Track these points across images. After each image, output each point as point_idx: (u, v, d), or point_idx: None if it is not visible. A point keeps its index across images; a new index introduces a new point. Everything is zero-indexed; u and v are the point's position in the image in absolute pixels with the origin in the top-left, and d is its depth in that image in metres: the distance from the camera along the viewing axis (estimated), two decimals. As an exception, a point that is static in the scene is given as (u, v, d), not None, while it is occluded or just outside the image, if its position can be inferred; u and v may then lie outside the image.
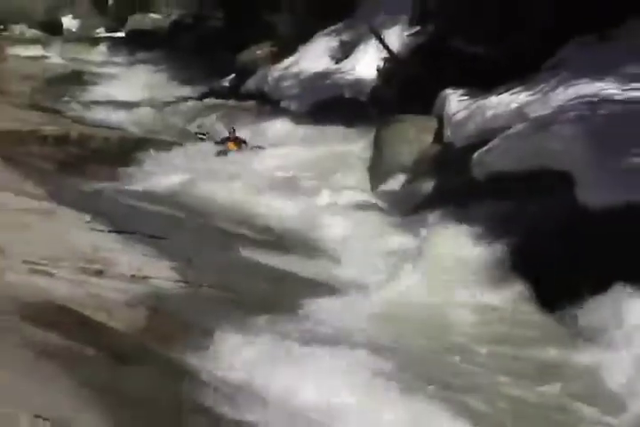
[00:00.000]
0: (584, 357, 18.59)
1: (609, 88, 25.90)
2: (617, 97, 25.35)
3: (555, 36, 29.46)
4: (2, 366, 12.65)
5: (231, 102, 44.77)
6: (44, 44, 59.61)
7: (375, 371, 16.81)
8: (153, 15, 71.05)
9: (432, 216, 25.31)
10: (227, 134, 34.94)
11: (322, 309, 20.31)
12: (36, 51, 54.59)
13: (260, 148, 35.09)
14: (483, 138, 27.17)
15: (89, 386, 13.13)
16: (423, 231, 24.76)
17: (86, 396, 12.76)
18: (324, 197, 28.75)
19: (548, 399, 17.11)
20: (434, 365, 18.23)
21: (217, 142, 34.81)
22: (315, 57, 43.93)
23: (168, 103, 46.89)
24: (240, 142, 34.74)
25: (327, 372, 16.29)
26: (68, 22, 70.32)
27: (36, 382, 12.62)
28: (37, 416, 11.09)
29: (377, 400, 15.83)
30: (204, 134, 32.90)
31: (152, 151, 34.15)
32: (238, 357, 16.51)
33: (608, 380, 17.67)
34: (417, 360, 18.13)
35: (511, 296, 21.51)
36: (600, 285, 19.60)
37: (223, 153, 34.20)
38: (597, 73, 26.94)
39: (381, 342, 18.53)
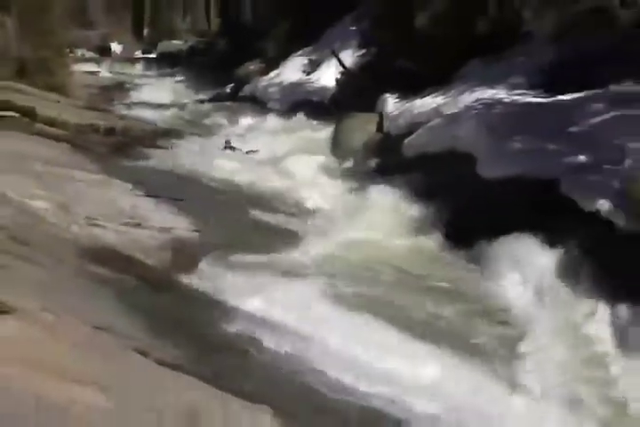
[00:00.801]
0: (486, 284, 18.89)
1: (499, 93, 26.42)
2: (505, 100, 25.86)
3: (461, 56, 29.77)
4: (69, 292, 12.87)
5: (232, 104, 44.91)
6: (98, 63, 59.35)
7: (330, 293, 17.15)
8: (176, 42, 70.59)
9: (376, 183, 25.54)
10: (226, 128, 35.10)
11: (297, 250, 20.60)
12: (91, 67, 54.29)
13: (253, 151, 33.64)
14: (411, 129, 27.58)
15: (130, 305, 13.40)
16: (371, 193, 25.06)
17: (129, 312, 13.00)
18: (299, 170, 29.00)
19: (457, 314, 17.40)
20: (377, 289, 18.48)
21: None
22: (291, 71, 44.13)
23: (186, 104, 46.94)
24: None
25: (296, 295, 16.67)
26: (115, 47, 70.00)
27: (93, 303, 12.86)
28: (95, 327, 11.27)
29: (330, 315, 16.15)
30: (232, 147, 32.50)
31: (175, 139, 34.26)
32: (230, 283, 16.83)
33: (504, 301, 18.05)
34: (364, 285, 18.39)
35: (432, 240, 21.79)
36: (495, 231, 19.93)
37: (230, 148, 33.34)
38: (491, 83, 27.39)
39: (337, 271, 18.84)
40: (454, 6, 31.81)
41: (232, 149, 33.04)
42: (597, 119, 22.21)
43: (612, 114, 21.98)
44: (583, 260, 17.98)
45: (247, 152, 32.63)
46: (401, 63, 31.75)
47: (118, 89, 49.10)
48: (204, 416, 8.18)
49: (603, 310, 16.89)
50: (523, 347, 16.39)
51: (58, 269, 13.98)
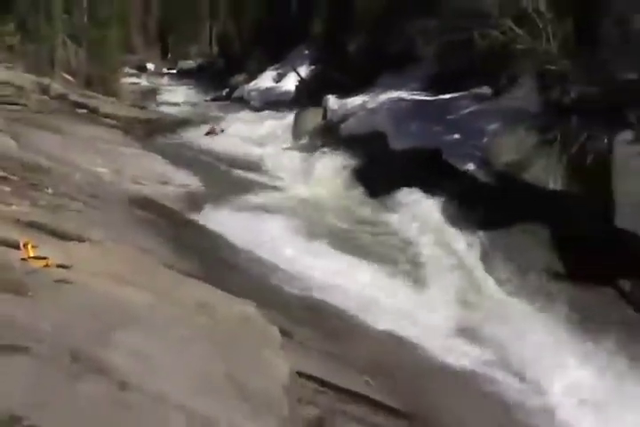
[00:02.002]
0: (388, 218, 19.12)
1: (402, 94, 26.46)
2: (406, 98, 25.90)
3: (377, 71, 29.69)
4: (122, 227, 12.97)
5: (226, 103, 44.79)
6: (138, 76, 58.91)
7: (290, 225, 17.42)
8: (189, 62, 69.95)
9: (321, 154, 25.62)
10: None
11: (268, 196, 20.82)
12: (134, 79, 54.01)
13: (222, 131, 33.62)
14: (345, 118, 27.46)
15: (162, 236, 13.52)
16: (315, 161, 25.15)
17: (162, 241, 13.13)
18: (270, 146, 29.04)
19: (373, 235, 17.91)
20: (323, 222, 18.75)
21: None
22: (265, 81, 43.92)
23: (196, 103, 46.79)
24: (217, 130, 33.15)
25: (267, 226, 17.01)
26: (149, 66, 69.53)
27: (138, 234, 12.98)
28: (141, 249, 11.42)
29: (290, 240, 16.46)
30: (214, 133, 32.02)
31: (189, 126, 34.31)
32: (218, 217, 17.14)
33: (399, 228, 18.31)
34: (315, 219, 18.63)
35: (358, 191, 21.95)
36: (399, 185, 20.08)
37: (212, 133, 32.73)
38: (397, 87, 27.42)
39: (298, 211, 19.13)
40: (371, 41, 32.00)
41: (215, 134, 32.58)
42: (465, 111, 22.37)
43: (474, 107, 22.17)
44: (457, 202, 18.24)
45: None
46: (338, 76, 31.88)
47: (152, 94, 48.79)
48: (208, 305, 8.35)
49: (468, 235, 17.20)
50: (420, 252, 17.15)
51: (115, 213, 14.07)
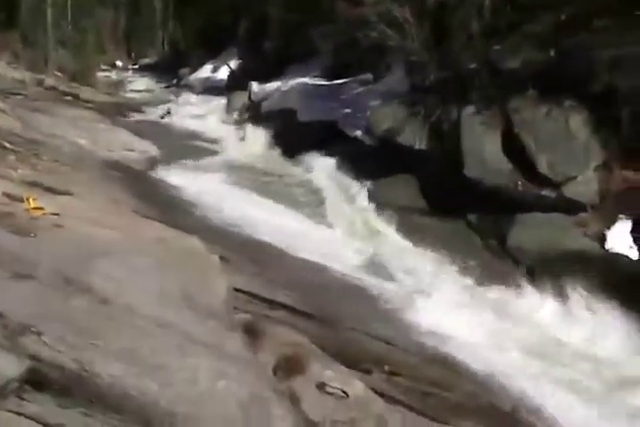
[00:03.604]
0: (300, 172, 19.09)
1: (306, 80, 26.30)
2: (309, 83, 25.81)
3: (286, 63, 29.49)
4: (99, 184, 12.85)
5: (176, 89, 44.05)
6: (109, 71, 57.28)
7: (227, 181, 17.39)
8: (148, 59, 68.85)
9: (249, 126, 25.46)
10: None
11: (210, 159, 20.72)
12: (106, 73, 53.06)
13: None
14: (265, 98, 27.30)
15: (129, 190, 13.40)
16: (247, 131, 25.01)
17: (129, 193, 13.01)
18: (210, 120, 28.76)
19: (288, 186, 17.60)
20: (252, 176, 18.65)
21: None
22: (205, 72, 43.50)
23: (154, 90, 46.01)
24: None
25: (210, 181, 16.99)
26: (118, 63, 67.78)
27: (111, 188, 12.87)
28: (113, 200, 11.33)
29: (228, 192, 16.45)
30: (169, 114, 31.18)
31: (149, 107, 33.83)
32: (172, 175, 17.07)
33: (308, 180, 18.30)
34: (245, 174, 18.55)
35: (277, 152, 21.90)
36: (306, 148, 20.13)
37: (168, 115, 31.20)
38: (302, 75, 27.25)
39: (232, 169, 18.93)
40: (283, 41, 31.76)
41: (169, 115, 31.28)
42: (354, 92, 22.36)
43: (360, 89, 22.16)
44: (350, 160, 18.30)
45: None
46: (258, 67, 31.63)
47: (120, 84, 47.95)
48: (164, 240, 8.36)
49: (359, 184, 17.34)
50: (323, 197, 17.38)
51: (93, 173, 13.93)
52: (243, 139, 24.53)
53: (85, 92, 33.37)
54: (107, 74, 54.20)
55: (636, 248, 12.89)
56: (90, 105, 29.27)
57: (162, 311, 6.27)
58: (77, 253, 7.02)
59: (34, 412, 4.23)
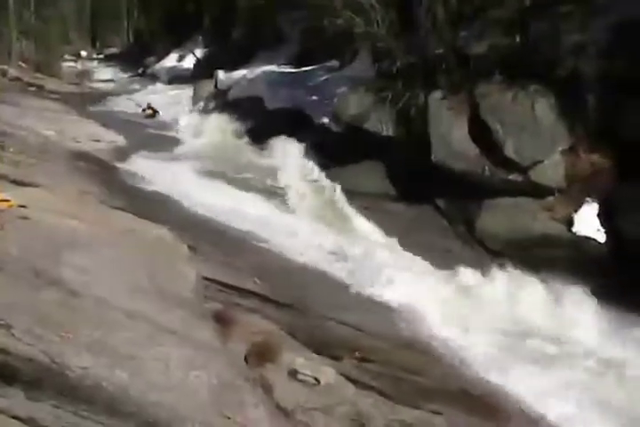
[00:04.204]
0: (267, 159, 19.01)
1: (273, 68, 26.23)
2: (276, 70, 25.71)
3: (253, 51, 29.36)
4: (67, 175, 12.79)
5: (142, 78, 43.95)
6: (74, 61, 57.21)
7: (194, 169, 17.33)
8: (113, 49, 68.69)
9: (214, 114, 25.29)
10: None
11: (176, 148, 20.71)
12: (71, 64, 52.79)
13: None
14: (231, 86, 27.12)
15: (96, 180, 13.34)
16: (212, 119, 24.88)
17: (97, 184, 12.97)
18: (176, 109, 28.52)
19: (254, 173, 17.55)
20: (217, 165, 18.54)
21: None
22: (170, 61, 43.30)
23: (120, 79, 45.71)
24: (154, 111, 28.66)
25: (177, 170, 16.84)
26: (83, 53, 67.33)
27: (79, 179, 12.79)
28: (81, 191, 11.27)
29: (193, 180, 16.39)
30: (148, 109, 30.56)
31: (115, 96, 33.67)
32: (138, 164, 16.87)
33: (274, 167, 18.27)
34: (210, 163, 18.44)
35: (244, 140, 21.80)
36: (273, 135, 19.98)
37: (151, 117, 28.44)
38: (269, 62, 27.22)
39: (197, 158, 18.76)
40: (249, 29, 31.66)
41: (151, 109, 29.33)
42: (320, 79, 22.34)
43: (327, 76, 22.14)
44: (317, 146, 18.29)
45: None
46: (224, 55, 31.47)
47: (85, 74, 47.72)
48: (133, 230, 8.34)
49: (327, 171, 17.37)
50: (291, 184, 17.23)
51: (60, 164, 13.86)
52: (210, 127, 24.34)
53: (50, 83, 33.26)
54: (72, 64, 53.88)
55: (602, 231, 13.00)
56: (55, 96, 29.18)
57: (132, 302, 6.28)
58: (46, 245, 7.01)
59: (4, 406, 4.22)
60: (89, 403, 4.60)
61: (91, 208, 9.71)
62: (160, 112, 27.97)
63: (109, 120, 22.56)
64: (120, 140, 18.78)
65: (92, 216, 8.77)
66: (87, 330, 5.49)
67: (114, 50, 69.17)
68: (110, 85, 41.90)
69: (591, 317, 11.62)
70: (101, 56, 67.71)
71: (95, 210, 9.66)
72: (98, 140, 18.08)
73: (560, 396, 9.20)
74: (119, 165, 16.73)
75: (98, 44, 75.97)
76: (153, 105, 28.86)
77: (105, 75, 48.85)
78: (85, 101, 29.98)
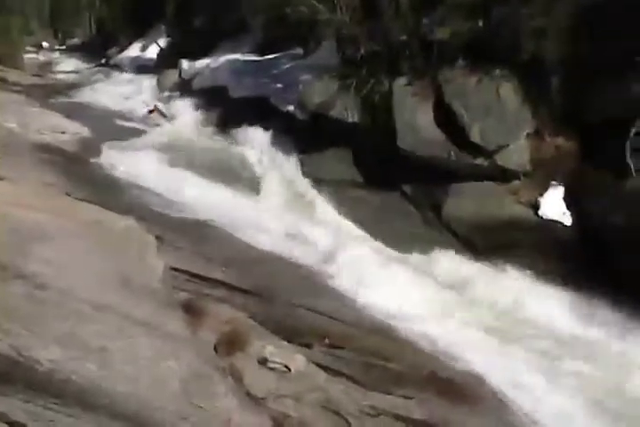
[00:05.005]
0: (233, 147, 19.02)
1: (237, 56, 26.12)
2: (240, 59, 25.64)
3: (217, 40, 29.18)
4: (30, 167, 12.69)
5: (106, 68, 43.44)
6: (36, 53, 56.58)
7: (160, 159, 17.24)
8: (75, 39, 68.19)
9: (181, 104, 25.16)
10: None
11: (142, 138, 20.62)
12: (33, 55, 52.24)
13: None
14: (194, 75, 27.01)
15: (62, 172, 13.25)
16: (178, 107, 24.77)
17: (62, 176, 12.88)
18: (143, 100, 28.19)
19: (221, 162, 17.44)
20: (181, 153, 18.47)
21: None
22: (134, 51, 43.17)
23: (83, 70, 45.10)
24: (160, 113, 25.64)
25: (143, 159, 16.82)
26: (44, 44, 66.59)
27: (43, 172, 12.70)
28: (45, 184, 11.21)
29: (159, 169, 16.31)
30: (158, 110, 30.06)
31: (78, 88, 33.37)
32: (104, 156, 16.85)
33: (241, 155, 18.25)
34: (175, 152, 18.35)
35: (211, 128, 21.73)
36: (240, 123, 20.03)
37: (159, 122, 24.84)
38: (233, 51, 27.18)
39: (162, 149, 18.64)
40: (212, 18, 31.49)
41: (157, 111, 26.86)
42: (284, 67, 22.34)
43: (291, 64, 22.15)
44: (283, 134, 18.32)
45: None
46: (187, 44, 31.24)
47: (47, 65, 47.27)
48: (100, 222, 8.29)
49: (293, 158, 17.39)
50: (257, 172, 17.35)
51: (24, 157, 13.74)
52: (175, 117, 24.20)
53: (13, 75, 32.91)
54: (33, 56, 53.32)
55: (568, 214, 13.11)
56: (18, 88, 28.84)
57: (100, 294, 6.25)
58: (11, 238, 6.94)
59: (-29, 401, 4.18)
60: (59, 396, 4.56)
61: (56, 200, 9.63)
62: (167, 116, 24.99)
63: (74, 111, 22.30)
64: (85, 131, 18.54)
65: (58, 208, 8.69)
66: (55, 323, 5.45)
67: (76, 40, 68.43)
68: (73, 77, 41.41)
69: (557, 299, 11.74)
70: (64, 47, 66.99)
71: (61, 202, 9.58)
72: (62, 132, 17.84)
73: (529, 378, 9.32)
74: (85, 156, 16.63)
75: (60, 36, 75.14)
76: (160, 107, 25.96)
77: (68, 66, 48.22)
78: (49, 93, 29.65)
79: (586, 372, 9.85)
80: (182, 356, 5.68)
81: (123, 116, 25.26)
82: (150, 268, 7.31)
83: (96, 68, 45.20)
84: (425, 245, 13.41)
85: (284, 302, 9.62)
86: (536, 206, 13.40)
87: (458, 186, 14.15)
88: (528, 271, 12.32)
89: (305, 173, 16.72)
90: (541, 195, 13.49)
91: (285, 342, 7.27)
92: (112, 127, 22.18)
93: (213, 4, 31.42)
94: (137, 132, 21.65)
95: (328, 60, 19.25)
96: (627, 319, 10.95)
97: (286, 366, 6.71)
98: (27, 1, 66.22)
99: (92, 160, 16.48)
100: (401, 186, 14.99)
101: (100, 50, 49.64)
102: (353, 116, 16.24)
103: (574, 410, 8.84)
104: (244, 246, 12.17)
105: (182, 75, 28.69)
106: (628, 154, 12.42)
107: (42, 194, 9.91)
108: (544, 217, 13.25)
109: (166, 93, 28.37)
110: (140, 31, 43.60)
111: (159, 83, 30.06)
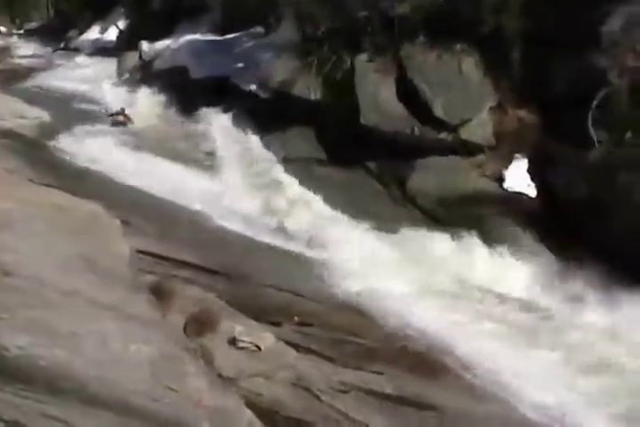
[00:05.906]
0: (196, 128, 18.93)
1: (197, 36, 25.91)
2: (200, 39, 25.43)
3: (176, 20, 28.99)
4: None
5: (66, 52, 42.93)
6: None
7: (122, 142, 17.14)
8: (33, 23, 67.43)
9: (142, 86, 24.81)
10: None
11: (99, 122, 20.34)
12: None
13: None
14: (156, 57, 26.73)
15: (23, 158, 13.16)
16: (139, 91, 24.46)
17: (24, 162, 12.80)
18: (101, 83, 27.80)
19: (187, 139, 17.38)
20: (146, 136, 18.39)
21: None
22: (93, 33, 42.66)
23: (43, 54, 44.61)
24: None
25: (105, 144, 16.70)
26: (1, 28, 66.07)
27: (3, 158, 12.61)
28: (7, 170, 11.11)
29: (121, 153, 16.24)
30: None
31: (39, 72, 32.96)
32: (66, 140, 16.68)
33: (203, 135, 18.17)
34: (140, 137, 18.24)
35: (173, 111, 21.51)
36: (200, 105, 19.89)
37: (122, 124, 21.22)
38: (193, 31, 26.93)
39: (124, 131, 18.52)
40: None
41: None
42: (246, 46, 22.23)
43: (252, 43, 22.04)
44: (245, 114, 18.25)
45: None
46: (147, 25, 30.94)
47: (6, 50, 46.73)
48: (64, 207, 8.25)
49: (256, 137, 17.34)
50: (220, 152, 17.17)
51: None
52: (136, 99, 23.93)
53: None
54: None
55: (533, 186, 13.23)
56: (-24, 74, 28.61)
57: (66, 279, 6.22)
58: (-26, 226, 6.90)
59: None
60: (28, 383, 4.54)
61: (18, 186, 9.54)
62: (133, 120, 21.41)
63: (34, 96, 22.11)
64: (45, 116, 18.44)
65: (21, 194, 8.62)
66: (23, 310, 5.43)
67: (34, 24, 67.52)
68: (32, 61, 40.89)
69: (525, 271, 11.87)
70: (22, 31, 66.12)
71: (23, 188, 9.48)
72: (23, 117, 17.76)
73: (500, 350, 9.44)
74: (46, 141, 16.49)
75: (17, 20, 74.18)
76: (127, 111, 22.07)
77: (27, 50, 47.55)
78: (8, 78, 29.24)
79: (556, 346, 9.97)
80: (152, 338, 5.69)
81: (84, 99, 24.97)
82: (115, 251, 7.28)
83: (56, 52, 44.77)
84: (392, 222, 13.43)
85: (252, 281, 9.66)
86: (501, 179, 13.52)
87: (422, 161, 14.22)
88: (494, 244, 12.40)
89: (269, 152, 16.66)
90: (506, 168, 13.62)
91: (254, 322, 7.30)
92: (73, 112, 21.87)
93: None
94: (99, 116, 21.37)
95: (289, 38, 19.17)
96: (589, 287, 11.10)
97: (256, 346, 6.75)
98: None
99: (54, 145, 16.30)
100: (366, 162, 15.01)
101: (59, 33, 48.94)
102: (315, 94, 16.25)
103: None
104: (210, 227, 12.18)
105: (142, 56, 28.39)
106: (589, 126, 12.56)
107: (4, 180, 9.81)
108: (509, 190, 13.41)
109: (127, 76, 28.07)
110: (99, 13, 43.12)
111: (119, 65, 29.70)
